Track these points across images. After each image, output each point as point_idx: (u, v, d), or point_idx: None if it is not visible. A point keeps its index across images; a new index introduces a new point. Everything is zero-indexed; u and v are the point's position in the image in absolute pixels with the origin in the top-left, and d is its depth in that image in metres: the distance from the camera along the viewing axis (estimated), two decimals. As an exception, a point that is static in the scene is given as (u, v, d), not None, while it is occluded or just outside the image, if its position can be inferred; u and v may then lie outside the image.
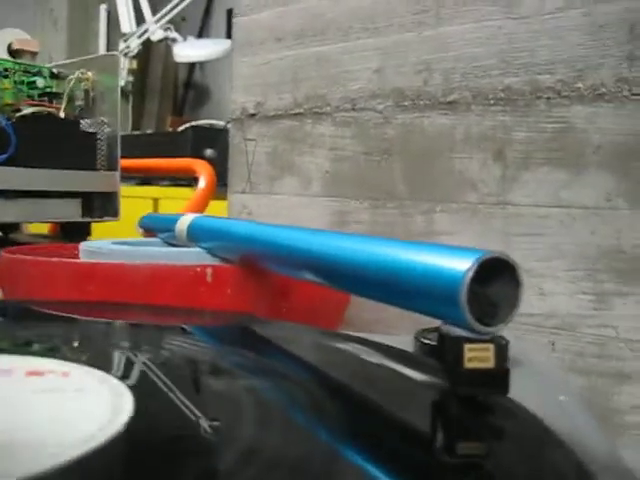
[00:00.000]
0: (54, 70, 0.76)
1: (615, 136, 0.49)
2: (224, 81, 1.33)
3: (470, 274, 0.22)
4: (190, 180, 1.19)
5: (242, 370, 0.27)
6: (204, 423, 0.20)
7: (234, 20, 0.70)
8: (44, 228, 0.85)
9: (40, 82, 0.74)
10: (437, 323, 0.25)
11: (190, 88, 1.95)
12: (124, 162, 0.75)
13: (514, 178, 0.53)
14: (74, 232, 0.75)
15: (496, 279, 0.24)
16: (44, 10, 1.81)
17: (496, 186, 0.54)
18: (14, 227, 0.76)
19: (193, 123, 1.46)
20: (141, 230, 0.63)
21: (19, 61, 0.75)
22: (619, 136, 0.49)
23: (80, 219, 0.74)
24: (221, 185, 0.88)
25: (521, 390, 0.24)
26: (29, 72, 0.75)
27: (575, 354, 0.50)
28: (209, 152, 1.35)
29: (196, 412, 0.21)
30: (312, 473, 0.17)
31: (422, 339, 0.33)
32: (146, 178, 1.41)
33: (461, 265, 0.23)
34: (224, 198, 0.75)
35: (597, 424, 0.26)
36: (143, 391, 0.23)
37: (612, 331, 0.49)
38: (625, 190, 0.48)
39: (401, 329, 0.49)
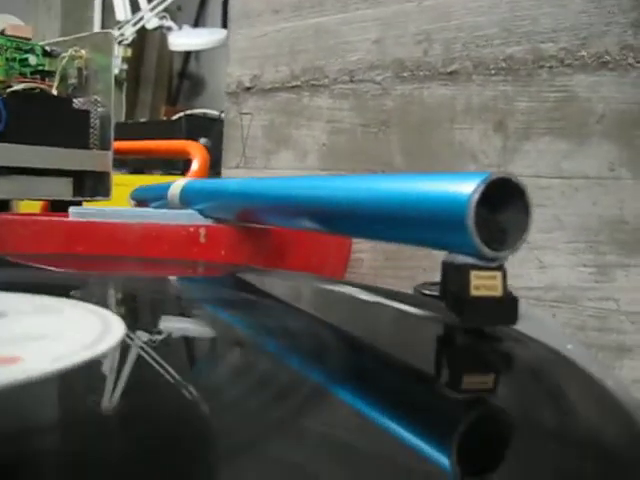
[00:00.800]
0: (47, 48, 0.75)
1: (619, 105, 0.48)
2: (219, 71, 1.32)
3: (476, 196, 0.21)
4: (183, 170, 1.18)
5: (227, 308, 0.26)
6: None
7: (231, -8, 0.69)
8: (35, 208, 0.84)
9: (32, 59, 0.73)
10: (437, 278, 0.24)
11: (185, 78, 1.93)
12: (117, 144, 0.74)
13: (515, 149, 0.52)
14: (65, 212, 0.73)
15: (505, 205, 0.23)
16: (38, -4, 1.79)
17: (497, 157, 0.53)
18: (4, 206, 0.75)
19: (187, 112, 1.44)
20: (133, 202, 0.61)
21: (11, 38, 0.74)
22: (623, 105, 0.48)
23: (71, 198, 0.73)
24: (213, 174, 0.87)
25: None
26: (21, 49, 0.73)
27: (576, 327, 0.49)
28: (203, 141, 1.33)
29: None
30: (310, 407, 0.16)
31: (422, 290, 0.31)
32: (139, 167, 1.40)
33: (467, 187, 0.21)
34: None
35: (611, 370, 0.25)
36: (133, 319, 0.22)
37: (613, 304, 0.48)
38: (628, 159, 0.47)
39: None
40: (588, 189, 0.49)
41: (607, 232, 0.48)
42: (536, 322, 0.29)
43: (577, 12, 0.50)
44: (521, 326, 0.23)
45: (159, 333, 0.21)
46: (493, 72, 0.53)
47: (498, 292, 0.22)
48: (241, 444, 0.12)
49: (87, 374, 0.16)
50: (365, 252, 0.59)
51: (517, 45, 0.52)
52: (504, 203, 0.22)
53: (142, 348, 0.19)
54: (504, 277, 0.22)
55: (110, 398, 0.15)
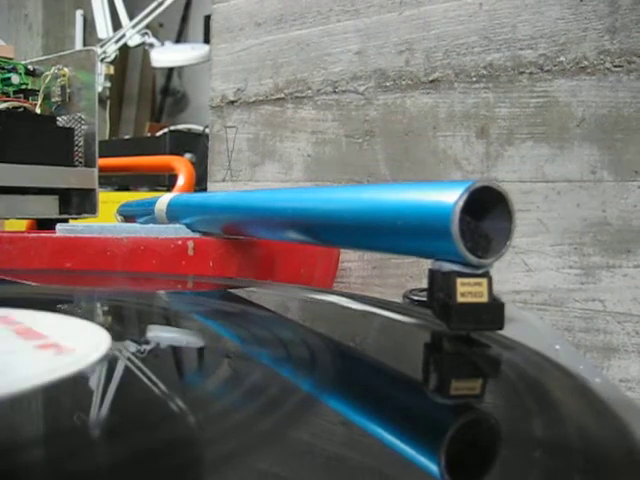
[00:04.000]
0: (29, 67, 0.75)
1: (598, 108, 0.49)
2: (202, 86, 1.33)
3: (461, 203, 0.22)
4: (169, 186, 1.18)
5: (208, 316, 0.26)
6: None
7: (213, 7, 0.70)
8: (21, 226, 0.84)
9: (15, 79, 0.73)
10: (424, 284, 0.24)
11: (168, 94, 1.94)
12: (102, 162, 0.74)
13: (498, 154, 0.53)
14: (51, 230, 0.73)
15: (488, 212, 0.23)
16: (19, 16, 1.79)
17: (480, 163, 0.53)
18: (-11, 225, 0.75)
19: (171, 127, 1.45)
20: (120, 218, 0.61)
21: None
22: (602, 108, 0.48)
23: (58, 216, 0.72)
24: (199, 190, 0.87)
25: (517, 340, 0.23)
26: (3, 68, 0.73)
27: (563, 329, 0.50)
28: (188, 156, 1.33)
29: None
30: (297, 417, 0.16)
31: (411, 296, 0.32)
32: (124, 184, 1.40)
33: (451, 196, 0.22)
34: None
35: (599, 369, 0.26)
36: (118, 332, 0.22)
37: (599, 304, 0.48)
38: (609, 162, 0.48)
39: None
40: (571, 192, 0.50)
41: (591, 234, 0.49)
42: (524, 324, 0.29)
43: (555, 19, 0.50)
44: (509, 329, 0.23)
45: (146, 344, 0.21)
46: (474, 79, 0.54)
47: (484, 298, 0.22)
48: (233, 456, 0.12)
49: (75, 387, 0.16)
50: (353, 262, 0.59)
51: (497, 52, 0.53)
52: (488, 210, 0.23)
53: (129, 360, 0.19)
54: (490, 283, 0.22)
55: (97, 412, 0.15)
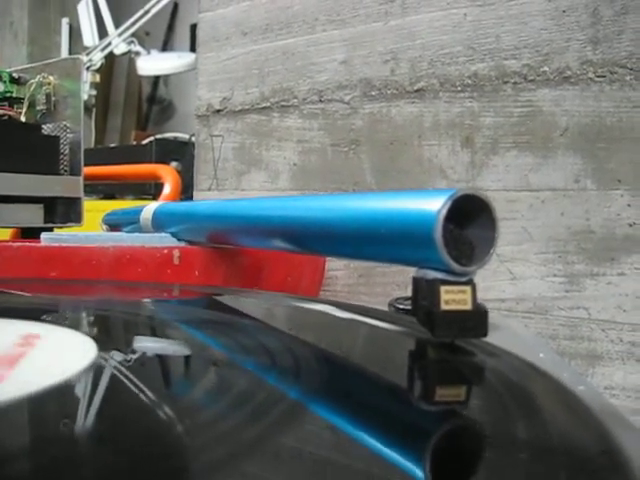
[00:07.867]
0: (14, 74, 0.74)
1: (582, 118, 0.49)
2: (188, 95, 1.33)
3: (444, 212, 0.22)
4: (154, 194, 1.18)
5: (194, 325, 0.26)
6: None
7: (200, 16, 0.70)
8: (5, 235, 0.83)
9: (0, 86, 0.73)
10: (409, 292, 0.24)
11: (154, 102, 1.94)
12: (88, 170, 0.73)
13: (483, 163, 0.53)
14: (36, 238, 0.72)
15: (472, 221, 0.23)
16: (4, 23, 1.78)
17: (465, 172, 0.54)
18: (-27, 235, 0.74)
19: (157, 136, 1.44)
20: (106, 227, 0.61)
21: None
22: (586, 118, 0.49)
23: (42, 224, 0.72)
24: (185, 199, 0.87)
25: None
26: (-12, 77, 0.73)
27: (548, 337, 0.50)
28: (174, 164, 1.33)
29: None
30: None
31: (396, 305, 0.32)
32: (110, 193, 1.39)
33: (434, 204, 0.22)
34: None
35: (582, 377, 0.26)
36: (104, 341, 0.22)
37: (584, 312, 0.49)
38: (593, 171, 0.49)
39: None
40: (555, 201, 0.50)
41: (575, 242, 0.49)
42: (508, 333, 0.30)
43: (538, 29, 0.51)
44: (493, 337, 0.23)
45: (132, 354, 0.21)
46: (459, 89, 0.54)
47: (468, 306, 0.22)
48: (220, 464, 0.12)
49: (60, 396, 0.16)
50: (339, 270, 0.59)
51: (481, 62, 0.53)
52: (471, 219, 0.23)
53: (115, 369, 0.19)
54: (474, 291, 0.22)
55: (84, 420, 0.15)
